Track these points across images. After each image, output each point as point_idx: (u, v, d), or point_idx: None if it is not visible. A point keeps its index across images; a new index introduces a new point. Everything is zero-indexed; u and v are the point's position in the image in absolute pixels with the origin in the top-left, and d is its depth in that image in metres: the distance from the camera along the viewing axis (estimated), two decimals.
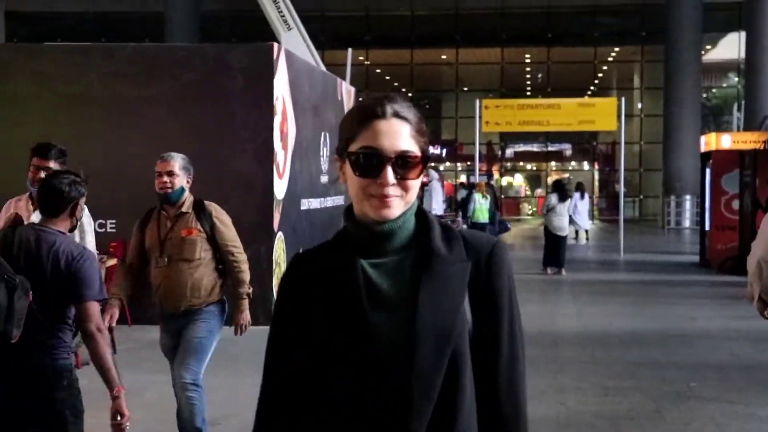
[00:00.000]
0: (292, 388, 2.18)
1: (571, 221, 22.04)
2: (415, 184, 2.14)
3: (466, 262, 2.15)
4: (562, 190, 19.21)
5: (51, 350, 4.83)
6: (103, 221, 12.78)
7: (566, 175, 43.56)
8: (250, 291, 6.94)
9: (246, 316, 6.92)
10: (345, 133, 2.18)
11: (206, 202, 6.78)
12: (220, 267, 6.79)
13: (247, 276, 6.86)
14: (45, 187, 5.03)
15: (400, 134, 2.13)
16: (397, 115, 2.14)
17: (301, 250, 2.37)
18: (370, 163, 2.11)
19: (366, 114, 2.14)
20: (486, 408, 2.15)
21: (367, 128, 2.12)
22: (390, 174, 2.10)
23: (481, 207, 25.69)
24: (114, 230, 12.76)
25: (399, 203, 2.12)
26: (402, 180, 2.12)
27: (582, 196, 25.25)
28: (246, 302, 6.88)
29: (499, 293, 2.17)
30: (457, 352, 2.10)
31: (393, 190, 2.11)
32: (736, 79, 39.22)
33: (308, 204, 14.22)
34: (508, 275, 2.20)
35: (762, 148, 20.37)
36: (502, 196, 31.31)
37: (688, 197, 33.68)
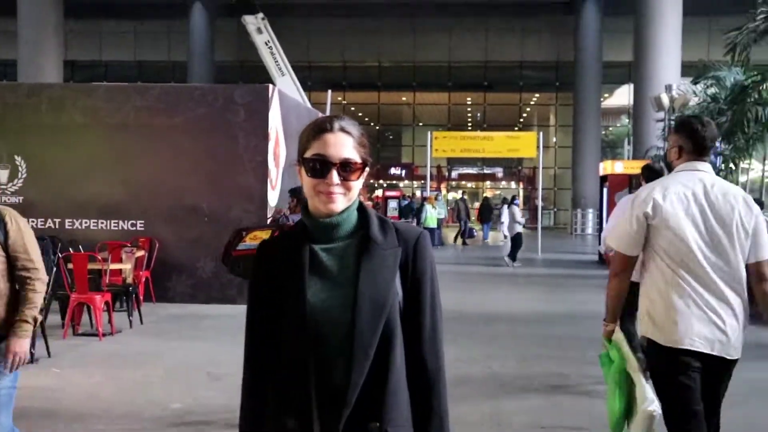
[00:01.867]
0: (262, 350, 2.17)
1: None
2: (355, 185, 2.13)
3: (397, 248, 2.14)
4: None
5: None
6: (134, 221, 12.74)
7: (497, 192, 43.75)
8: (39, 318, 4.27)
9: (24, 345, 4.17)
10: (302, 143, 2.17)
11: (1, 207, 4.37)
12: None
13: (39, 297, 4.23)
14: None
15: (344, 145, 2.11)
16: (342, 129, 2.13)
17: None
18: (320, 167, 2.10)
19: (318, 128, 2.13)
20: (413, 364, 2.13)
21: (318, 139, 2.12)
22: (335, 176, 2.09)
23: (431, 215, 25.75)
24: (143, 228, 12.70)
25: (342, 200, 2.11)
26: (345, 181, 2.11)
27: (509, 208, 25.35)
28: (28, 329, 4.19)
29: (423, 273, 2.16)
30: (390, 319, 2.08)
31: (337, 189, 2.10)
32: (627, 120, 39.50)
33: None
34: (430, 259, 2.18)
35: (656, 168, 20.46)
36: (469, 207, 31.57)
37: (590, 210, 33.94)
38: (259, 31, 23.48)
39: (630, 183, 20.19)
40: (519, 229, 20.29)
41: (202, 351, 9.13)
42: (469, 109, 45.44)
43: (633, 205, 4.00)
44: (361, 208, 2.18)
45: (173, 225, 12.66)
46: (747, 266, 3.92)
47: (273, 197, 12.86)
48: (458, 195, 30.88)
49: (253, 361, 2.19)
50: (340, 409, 2.04)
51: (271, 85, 13.26)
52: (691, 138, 4.02)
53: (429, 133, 25.99)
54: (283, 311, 2.10)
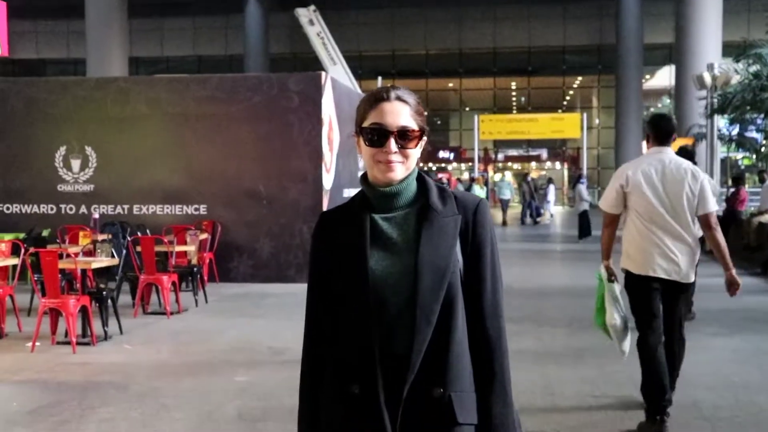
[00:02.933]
0: (324, 318, 2.11)
1: None
2: (413, 153, 2.06)
3: (457, 216, 2.07)
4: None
5: None
6: (197, 206, 12.83)
7: (543, 173, 43.24)
8: None
9: None
10: (359, 114, 2.10)
11: None
12: None
13: None
14: None
15: (401, 113, 2.04)
16: (399, 98, 2.06)
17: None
18: (378, 136, 2.03)
19: (375, 98, 2.07)
20: (475, 331, 2.06)
21: (375, 109, 2.05)
22: (393, 144, 2.02)
23: (478, 195, 25.59)
24: (205, 212, 12.79)
25: (401, 168, 2.04)
26: (402, 149, 2.03)
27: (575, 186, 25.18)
28: None
29: (483, 240, 2.08)
30: (451, 285, 2.02)
31: (395, 157, 2.03)
32: (669, 100, 38.71)
33: (349, 192, 14.13)
34: (489, 226, 2.11)
35: (689, 149, 20.07)
36: (533, 188, 30.07)
37: None
38: (311, 23, 23.44)
39: (694, 155, 19.82)
40: (585, 206, 20.04)
41: (263, 327, 9.17)
42: (513, 93, 45.01)
43: (614, 178, 5.49)
44: (420, 178, 2.11)
45: (233, 208, 12.72)
46: (698, 218, 5.29)
47: (328, 180, 12.83)
48: (482, 175, 29.84)
49: (315, 329, 2.14)
50: (404, 374, 1.98)
51: (323, 73, 13.22)
52: (655, 130, 5.42)
53: (475, 116, 25.86)
54: (345, 279, 2.04)
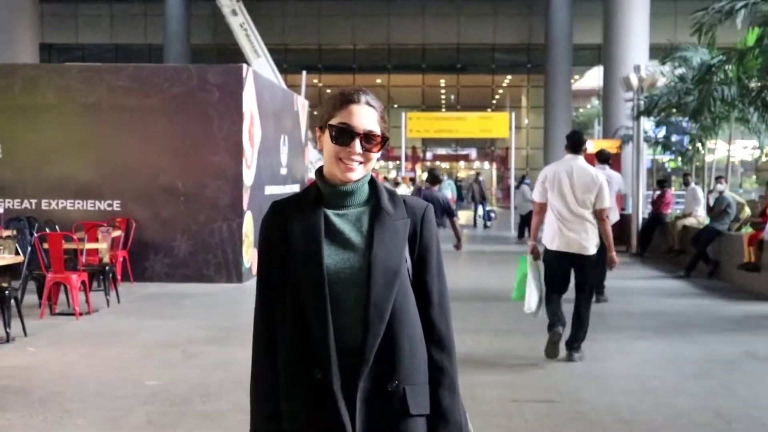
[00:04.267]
0: (276, 308, 2.22)
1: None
2: (374, 156, 2.21)
3: (406, 219, 2.23)
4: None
5: None
6: (110, 201, 12.57)
7: (472, 173, 43.68)
8: None
9: None
10: (327, 111, 2.22)
11: None
12: None
13: None
14: None
15: (368, 117, 2.19)
16: (368, 103, 2.21)
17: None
18: (344, 135, 2.17)
19: (345, 99, 2.21)
20: (425, 327, 2.23)
21: (344, 109, 2.19)
22: (357, 145, 2.17)
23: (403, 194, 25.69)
24: (119, 209, 12.55)
25: (361, 169, 2.19)
26: (366, 152, 2.19)
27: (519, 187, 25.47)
28: None
29: (430, 243, 2.26)
30: (402, 284, 2.18)
31: (358, 158, 2.18)
32: (597, 101, 39.54)
33: (271, 190, 14.05)
34: (435, 230, 2.29)
35: (616, 151, 20.54)
36: (485, 188, 29.87)
37: None
38: (234, 13, 23.16)
39: (609, 158, 20.23)
40: (530, 207, 20.29)
41: (179, 329, 9.01)
42: (442, 91, 45.39)
43: (539, 176, 7.54)
44: (372, 181, 2.26)
45: (149, 205, 12.50)
46: (594, 211, 7.27)
47: (248, 176, 12.72)
48: (408, 175, 28.84)
49: (267, 319, 2.24)
50: (358, 367, 2.11)
51: (245, 65, 13.08)
52: (570, 142, 7.50)
53: (403, 114, 25.89)
54: (300, 270, 2.15)
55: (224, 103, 12.45)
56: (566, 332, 7.52)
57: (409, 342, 2.17)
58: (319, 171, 2.24)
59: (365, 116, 2.18)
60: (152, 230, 12.49)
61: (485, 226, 27.12)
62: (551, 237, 7.34)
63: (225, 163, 12.43)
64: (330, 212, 2.19)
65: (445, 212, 10.19)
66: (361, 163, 2.18)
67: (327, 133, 2.20)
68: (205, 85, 12.51)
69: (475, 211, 28.70)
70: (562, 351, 7.50)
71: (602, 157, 11.81)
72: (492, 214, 28.92)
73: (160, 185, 12.49)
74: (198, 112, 12.47)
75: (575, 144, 7.43)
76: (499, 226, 27.32)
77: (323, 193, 2.21)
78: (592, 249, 7.27)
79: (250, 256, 12.62)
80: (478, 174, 29.69)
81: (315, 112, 31.81)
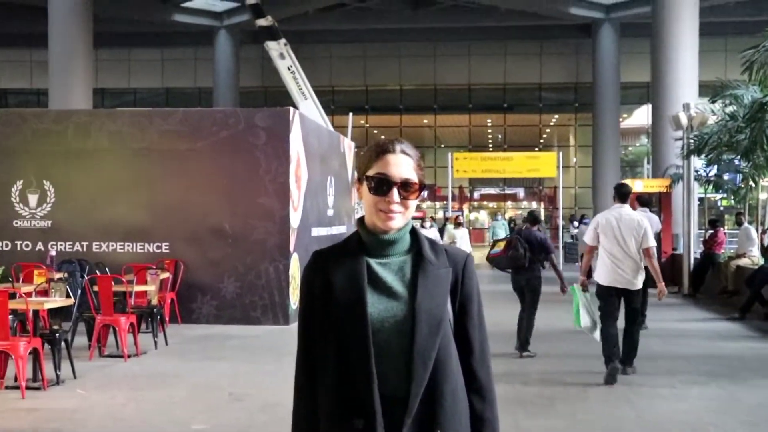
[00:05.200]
0: (318, 356, 2.22)
1: None
2: (413, 204, 2.24)
3: (448, 268, 2.24)
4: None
5: None
6: (159, 244, 12.72)
7: (519, 212, 43.45)
8: None
9: None
10: (363, 163, 2.28)
11: None
12: None
13: None
14: None
15: (404, 165, 2.22)
16: (403, 152, 2.24)
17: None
18: (382, 186, 2.20)
19: (381, 150, 2.25)
20: (466, 377, 2.24)
21: (381, 160, 2.23)
22: (396, 194, 2.20)
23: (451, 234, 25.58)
24: (168, 251, 12.68)
25: (400, 218, 2.22)
26: (404, 200, 2.21)
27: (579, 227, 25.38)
28: None
29: (471, 292, 2.28)
30: (445, 333, 2.19)
31: (397, 207, 2.20)
32: (646, 140, 39.21)
33: (317, 231, 14.13)
34: (475, 279, 2.31)
35: (665, 191, 20.31)
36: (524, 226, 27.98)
37: None
38: (282, 56, 23.50)
39: (650, 202, 20.02)
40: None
41: (225, 371, 9.06)
42: (489, 130, 45.35)
43: (592, 222, 8.96)
44: (413, 230, 2.29)
45: (197, 247, 12.62)
46: (642, 250, 8.45)
47: (295, 218, 12.78)
48: (456, 214, 28.32)
49: (309, 367, 2.25)
50: (401, 416, 2.11)
51: (292, 108, 13.23)
52: (618, 194, 8.82)
53: (450, 154, 25.92)
54: (343, 319, 2.16)
55: (271, 146, 12.57)
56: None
57: (451, 391, 2.18)
58: (361, 220, 2.27)
59: (402, 165, 2.21)
60: (200, 272, 12.59)
61: (542, 267, 26.47)
62: (605, 274, 8.51)
63: (272, 205, 12.51)
64: (372, 261, 2.21)
65: (543, 251, 10.34)
66: (400, 212, 2.20)
67: (365, 185, 2.23)
68: (252, 128, 12.66)
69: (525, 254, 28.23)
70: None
71: (642, 202, 12.93)
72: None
73: (207, 227, 12.62)
74: (245, 155, 12.60)
75: (622, 195, 8.79)
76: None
77: (365, 242, 2.23)
78: (639, 284, 8.53)
79: (296, 298, 12.60)
80: (461, 212, 29.39)
81: (362, 153, 31.91)
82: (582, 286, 8.75)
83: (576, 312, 8.72)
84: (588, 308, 8.70)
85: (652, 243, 8.54)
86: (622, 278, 8.41)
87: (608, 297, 8.47)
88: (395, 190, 2.18)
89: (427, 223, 19.49)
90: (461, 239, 16.40)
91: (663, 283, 8.63)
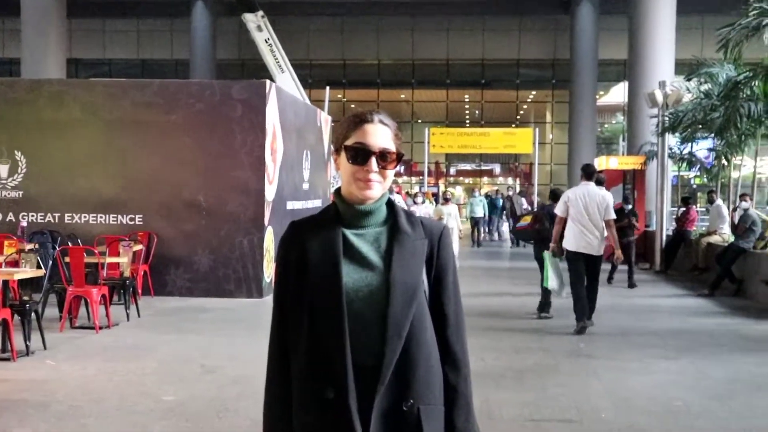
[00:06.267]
0: (292, 326, 2.22)
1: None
2: (390, 174, 2.24)
3: (424, 239, 2.25)
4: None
5: None
6: (132, 216, 12.63)
7: (494, 188, 43.54)
8: None
9: None
10: (341, 133, 2.27)
11: None
12: None
13: None
14: None
15: (383, 135, 2.23)
16: (381, 122, 2.25)
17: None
18: (360, 155, 2.21)
19: (359, 119, 2.25)
20: (441, 347, 2.25)
21: (359, 130, 2.23)
22: (374, 163, 2.20)
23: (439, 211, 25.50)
24: (141, 223, 12.60)
25: (378, 187, 2.22)
26: (382, 169, 2.22)
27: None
28: None
29: (446, 264, 2.29)
30: (420, 303, 2.20)
31: (375, 176, 2.21)
32: (622, 117, 39.33)
33: (292, 205, 14.10)
34: (451, 251, 2.32)
35: (640, 168, 20.40)
36: (522, 205, 27.46)
37: None
38: (259, 29, 23.23)
39: (624, 178, 20.11)
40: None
41: (197, 344, 9.02)
42: (466, 106, 45.31)
43: (562, 197, 10.15)
44: (389, 202, 2.29)
45: (171, 219, 12.55)
46: (604, 221, 9.80)
47: (270, 192, 12.73)
48: (431, 190, 27.28)
49: (282, 336, 2.26)
50: (374, 385, 2.12)
51: (268, 81, 13.12)
52: (584, 172, 10.22)
53: (427, 129, 25.88)
54: (317, 289, 2.17)
55: (247, 119, 12.51)
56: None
57: (425, 362, 2.18)
58: (338, 191, 2.28)
59: (380, 135, 2.22)
60: (173, 245, 12.53)
61: (514, 243, 26.14)
62: (574, 242, 9.80)
63: (247, 178, 12.47)
64: (348, 232, 2.22)
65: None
66: (378, 181, 2.21)
67: (343, 155, 2.23)
68: (228, 101, 12.58)
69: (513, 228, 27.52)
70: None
71: (599, 181, 13.74)
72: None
73: (182, 200, 12.55)
74: (221, 128, 12.54)
75: (588, 174, 10.16)
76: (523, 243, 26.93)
77: (342, 213, 2.24)
78: (601, 250, 9.92)
79: (270, 271, 12.61)
80: (509, 189, 28.74)
81: (339, 124, 31.74)
82: (553, 252, 10.13)
83: (545, 274, 10.32)
84: (557, 271, 10.23)
85: (612, 215, 9.95)
86: (588, 245, 9.77)
87: (576, 261, 9.83)
88: (373, 160, 2.19)
89: (420, 199, 19.30)
90: (449, 216, 15.94)
91: (620, 251, 10.28)
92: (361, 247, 2.20)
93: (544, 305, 11.05)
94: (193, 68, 36.49)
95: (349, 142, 2.22)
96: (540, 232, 11.18)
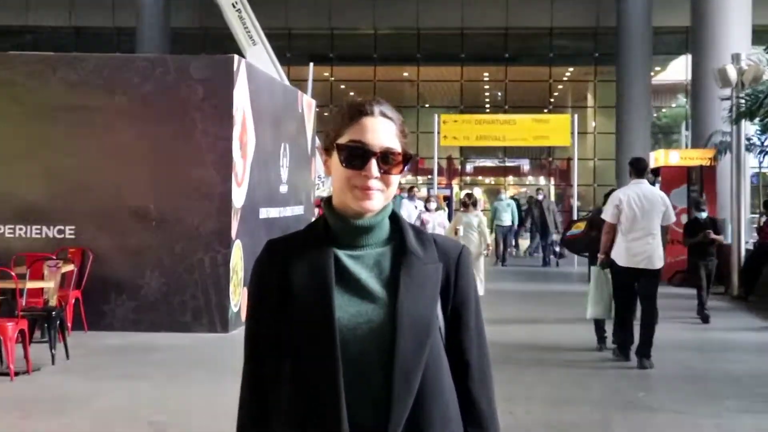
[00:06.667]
0: (269, 368, 2.19)
1: None
2: (395, 180, 2.21)
3: (438, 264, 2.21)
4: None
5: None
6: (61, 227, 12.53)
7: (524, 190, 43.59)
8: None
9: None
10: (333, 128, 2.24)
11: None
12: None
13: None
14: None
15: (385, 132, 2.20)
16: (383, 114, 2.22)
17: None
18: (357, 156, 2.17)
19: (355, 111, 2.21)
20: (462, 401, 2.21)
21: (355, 124, 2.19)
22: (374, 167, 2.16)
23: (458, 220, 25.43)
24: (73, 236, 12.53)
25: (380, 197, 2.18)
26: (385, 174, 2.18)
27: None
28: None
29: (467, 296, 2.25)
30: (435, 346, 2.16)
31: (376, 183, 2.16)
32: (685, 99, 39.41)
33: (267, 213, 14.11)
34: (472, 278, 2.28)
35: (708, 164, 20.28)
36: (554, 211, 27.01)
37: None
38: None
39: (688, 178, 19.97)
40: None
41: (145, 394, 8.97)
42: (486, 86, 45.48)
43: (611, 200, 10.44)
44: (393, 215, 2.27)
45: (111, 231, 12.49)
46: (662, 227, 10.24)
47: (239, 196, 12.74)
48: (443, 193, 27.53)
49: (258, 387, 2.22)
50: None
51: (236, 56, 13.14)
52: (635, 169, 10.53)
53: (436, 116, 25.82)
54: (303, 326, 2.13)
55: (210, 103, 12.51)
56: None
57: (441, 420, 2.14)
58: (328, 202, 2.25)
59: (381, 131, 2.20)
60: (114, 264, 12.45)
61: (544, 263, 25.43)
62: (625, 254, 10.13)
63: (210, 179, 12.44)
64: (342, 253, 2.19)
65: None
66: (380, 189, 2.18)
67: (335, 156, 2.21)
68: (186, 81, 12.60)
69: (534, 241, 27.57)
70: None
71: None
72: (557, 248, 26.32)
73: (125, 207, 12.49)
74: (176, 115, 12.53)
75: (640, 170, 10.48)
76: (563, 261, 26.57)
77: (333, 229, 2.22)
78: (658, 263, 10.16)
79: (238, 298, 12.57)
80: (538, 192, 28.36)
81: (326, 113, 31.88)
82: (601, 264, 10.46)
83: (588, 297, 10.89)
84: (601, 293, 10.61)
85: (673, 219, 10.59)
86: (644, 257, 10.09)
87: (625, 276, 10.19)
88: (374, 162, 2.16)
89: (433, 204, 19.07)
90: (470, 228, 15.61)
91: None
92: (358, 272, 2.17)
93: (601, 337, 11.19)
94: (140, 39, 36.51)
95: (342, 140, 2.19)
96: (597, 241, 10.72)
